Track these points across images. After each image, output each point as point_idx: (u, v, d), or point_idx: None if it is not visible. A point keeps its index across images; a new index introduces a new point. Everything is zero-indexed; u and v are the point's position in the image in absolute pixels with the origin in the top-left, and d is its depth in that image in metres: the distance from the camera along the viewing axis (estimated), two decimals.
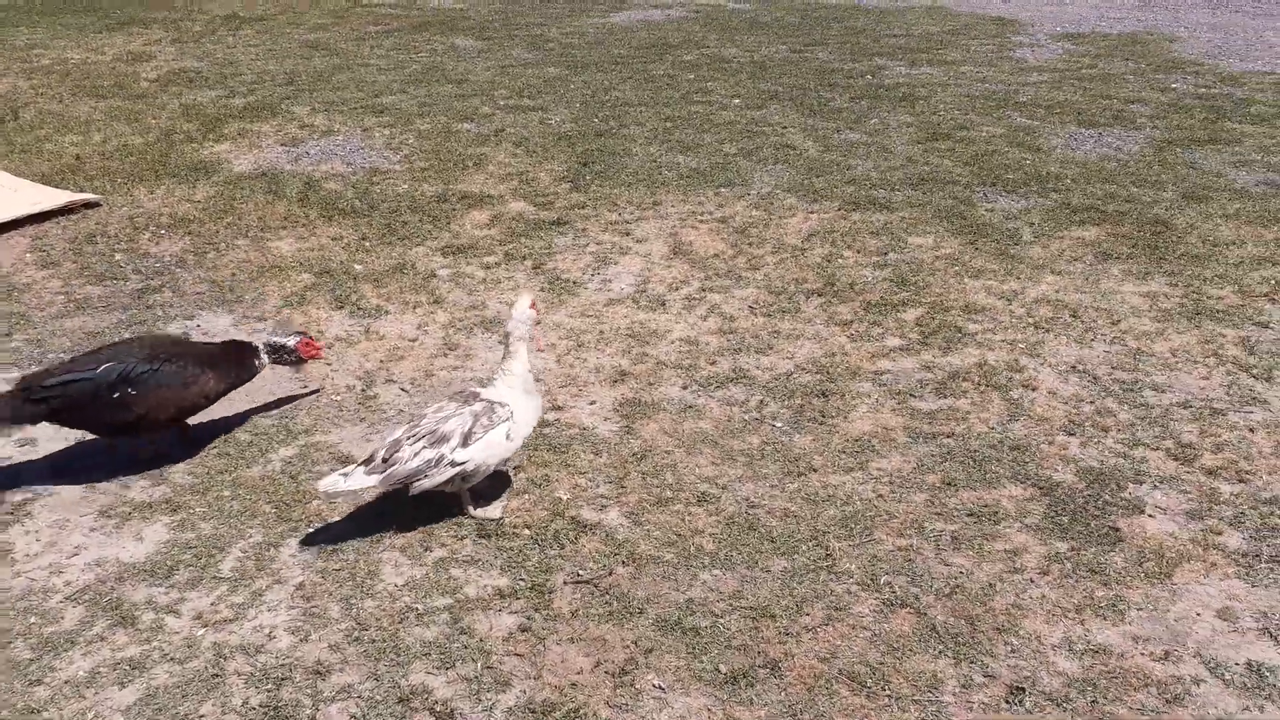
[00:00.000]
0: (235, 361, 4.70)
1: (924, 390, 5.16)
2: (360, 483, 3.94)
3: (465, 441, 4.00)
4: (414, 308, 6.12)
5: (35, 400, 4.23)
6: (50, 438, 4.83)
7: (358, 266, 6.62)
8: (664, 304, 6.12)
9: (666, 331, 5.79)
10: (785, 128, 9.23)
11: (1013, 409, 4.98)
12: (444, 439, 4.00)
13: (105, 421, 4.35)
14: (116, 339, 5.46)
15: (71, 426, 4.43)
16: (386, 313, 6.06)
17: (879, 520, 4.25)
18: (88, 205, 7.44)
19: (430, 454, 3.96)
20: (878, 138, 8.90)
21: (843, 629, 3.67)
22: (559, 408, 5.08)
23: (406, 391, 5.26)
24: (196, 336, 5.80)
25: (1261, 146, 8.58)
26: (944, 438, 4.79)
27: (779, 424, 4.91)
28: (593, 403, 5.13)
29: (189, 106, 9.88)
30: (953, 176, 7.94)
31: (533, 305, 4.20)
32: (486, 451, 4.04)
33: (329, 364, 5.45)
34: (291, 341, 4.85)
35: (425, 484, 4.00)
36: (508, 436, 4.08)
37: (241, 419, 5.01)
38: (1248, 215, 7.13)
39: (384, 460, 3.96)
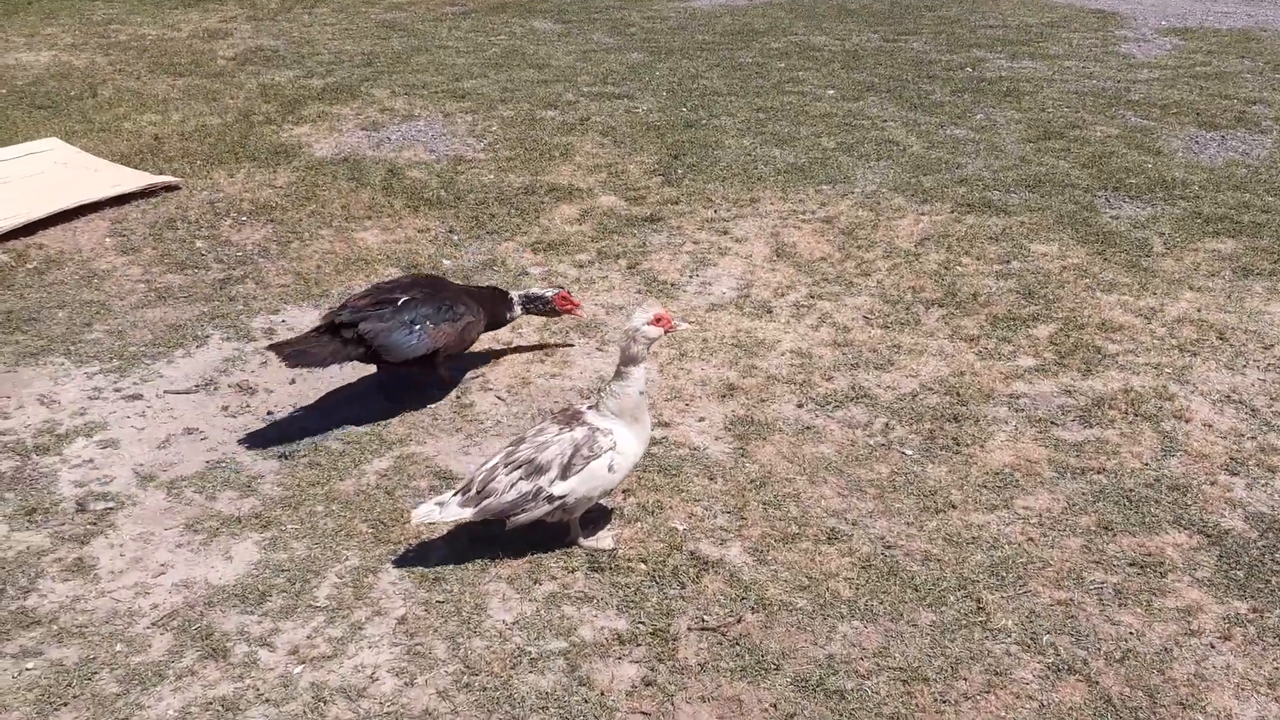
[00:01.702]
0: (497, 309, 4.94)
1: (1066, 418, 4.73)
2: (454, 514, 3.63)
3: (564, 474, 3.66)
4: None
5: (349, 340, 4.46)
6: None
7: (446, 261, 6.31)
8: (770, 311, 5.73)
9: (775, 342, 5.41)
10: (885, 121, 8.77)
11: (1167, 443, 4.54)
12: (541, 469, 3.67)
13: (406, 356, 4.54)
14: (389, 278, 5.34)
15: (375, 362, 4.65)
16: None
17: (1032, 568, 3.84)
18: (168, 188, 7.20)
19: (526, 486, 3.63)
20: (985, 134, 8.42)
21: (1006, 698, 3.28)
22: (666, 424, 4.72)
23: (503, 400, 4.93)
24: (282, 333, 5.51)
25: None
26: (1094, 474, 4.36)
27: (909, 451, 4.52)
28: (702, 419, 4.77)
29: (267, 86, 9.64)
30: (1070, 179, 7.45)
31: (659, 320, 3.73)
32: (587, 484, 3.69)
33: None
34: (550, 294, 5.03)
35: (521, 519, 3.67)
36: (610, 469, 3.73)
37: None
38: None
39: (479, 492, 3.63)
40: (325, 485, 4.31)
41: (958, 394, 4.92)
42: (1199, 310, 5.65)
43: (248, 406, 4.90)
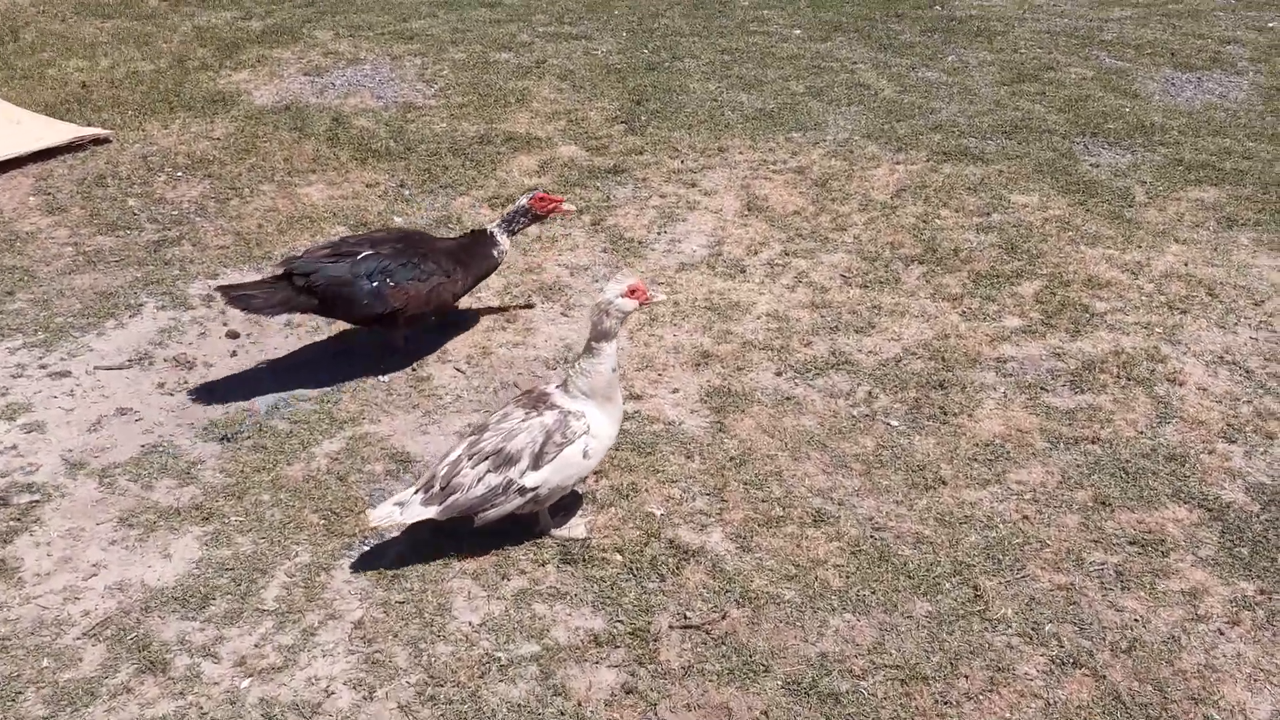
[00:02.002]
0: (480, 255, 4.56)
1: (1057, 383, 4.51)
2: (417, 514, 3.33)
3: (536, 463, 3.38)
4: None
5: (302, 289, 4.20)
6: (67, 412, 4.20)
7: (397, 219, 5.94)
8: (743, 270, 5.44)
9: (750, 304, 5.13)
10: (855, 64, 8.43)
11: (1161, 409, 4.34)
12: (511, 460, 3.38)
13: (362, 314, 4.30)
14: (366, 231, 5.12)
15: (331, 316, 4.42)
16: None
17: (1029, 549, 3.63)
18: (97, 141, 6.72)
19: (495, 479, 3.34)
20: (958, 77, 8.12)
21: (1010, 696, 3.07)
22: (638, 396, 4.44)
23: (462, 373, 4.62)
24: (221, 300, 5.13)
25: None
26: (1088, 443, 4.15)
27: (894, 422, 4.28)
28: (675, 391, 4.49)
29: (202, 29, 9.08)
30: (1048, 125, 7.19)
31: (634, 292, 3.40)
32: (561, 473, 3.41)
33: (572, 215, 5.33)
34: (524, 200, 4.61)
35: (491, 515, 3.39)
36: (585, 454, 3.45)
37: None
38: None
39: (443, 488, 3.33)
40: (272, 471, 3.99)
41: (943, 359, 4.68)
42: (1186, 264, 5.43)
43: (185, 382, 4.55)
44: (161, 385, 4.52)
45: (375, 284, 4.23)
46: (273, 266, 5.29)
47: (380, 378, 4.56)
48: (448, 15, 9.70)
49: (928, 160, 6.65)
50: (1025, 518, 3.79)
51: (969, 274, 5.35)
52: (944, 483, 3.95)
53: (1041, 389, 4.48)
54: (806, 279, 5.34)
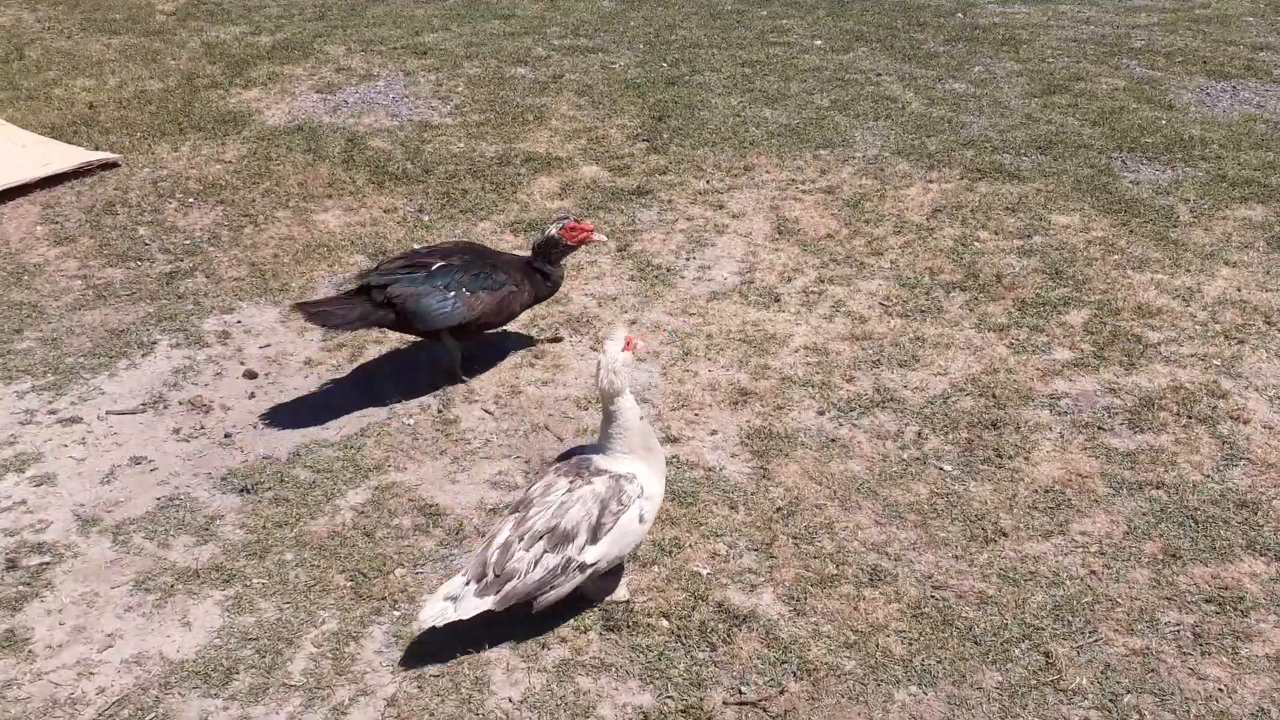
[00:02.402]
0: (538, 275, 4.54)
1: (1114, 421, 4.30)
2: (473, 608, 3.09)
3: (595, 536, 3.15)
4: None
5: (379, 304, 4.18)
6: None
7: (416, 246, 5.73)
8: (778, 299, 5.23)
9: (787, 336, 4.92)
10: (879, 75, 8.21)
11: (1227, 450, 4.12)
12: (568, 537, 3.15)
13: (438, 325, 4.27)
14: (435, 243, 5.06)
15: (406, 330, 4.36)
16: None
17: (1100, 609, 3.42)
18: (105, 166, 6.53)
19: (554, 559, 3.12)
20: (986, 89, 7.90)
21: None
22: (675, 439, 4.23)
23: (491, 414, 4.42)
24: (238, 336, 4.94)
25: None
26: (1152, 489, 3.94)
27: (947, 466, 4.07)
28: (714, 432, 4.29)
29: (211, 45, 8.89)
30: (1083, 139, 6.97)
31: (629, 345, 3.30)
32: (620, 544, 3.22)
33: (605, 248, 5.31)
34: (554, 230, 4.48)
35: (550, 597, 3.18)
36: (641, 519, 3.25)
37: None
38: None
39: (497, 575, 3.11)
40: (294, 526, 3.79)
41: (993, 395, 4.46)
42: (1239, 289, 5.22)
43: (202, 428, 4.35)
44: (177, 431, 4.32)
45: (452, 294, 4.23)
46: (278, 313, 5.09)
47: (406, 420, 4.37)
48: (461, 28, 9.51)
49: (961, 178, 6.43)
50: (1093, 572, 3.57)
51: (1014, 302, 5.14)
52: (1004, 534, 3.74)
53: (1099, 428, 4.27)
54: (844, 308, 5.13)
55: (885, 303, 5.18)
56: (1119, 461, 4.08)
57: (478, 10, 10.14)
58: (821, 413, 4.40)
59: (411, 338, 4.70)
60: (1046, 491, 3.94)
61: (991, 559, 3.63)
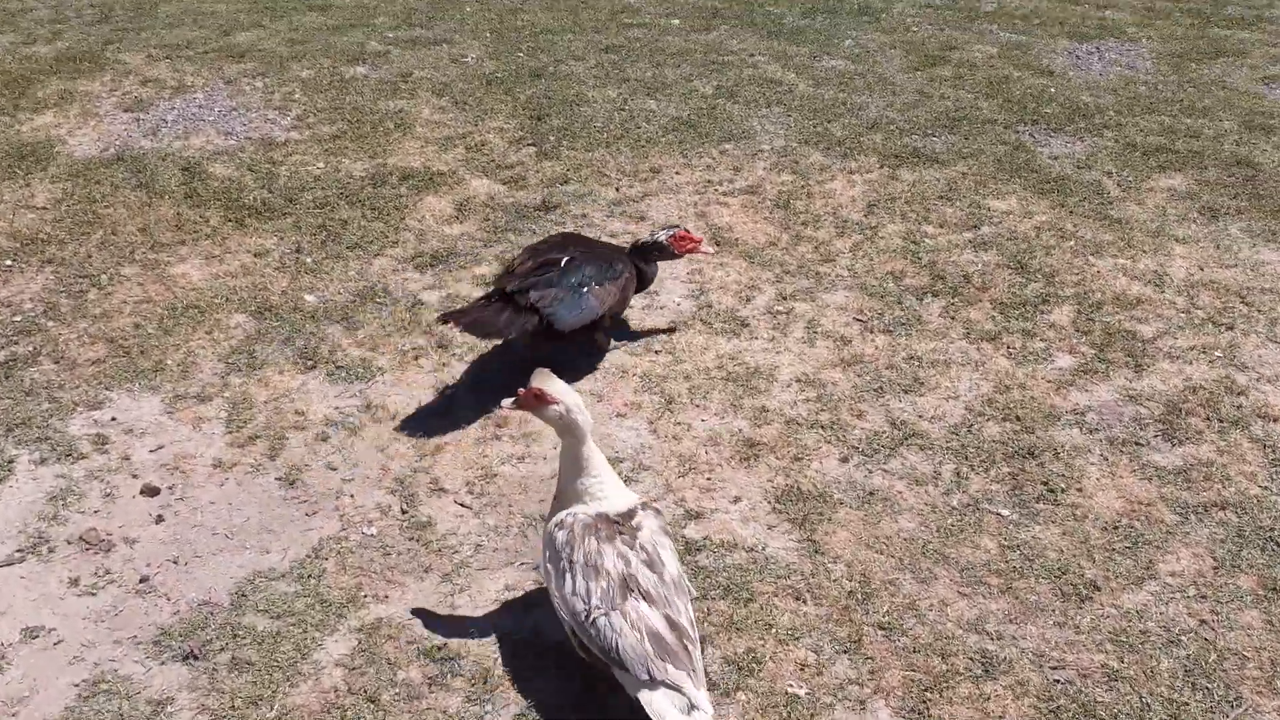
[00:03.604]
0: (640, 269, 4.39)
1: (1148, 434, 4.00)
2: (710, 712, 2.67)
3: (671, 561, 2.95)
4: (415, 358, 4.46)
5: (524, 308, 3.96)
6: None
7: (309, 297, 4.85)
8: (745, 325, 4.68)
9: (772, 369, 4.38)
10: (752, 56, 7.75)
11: (1271, 455, 3.91)
12: (678, 584, 2.88)
13: (579, 322, 4.08)
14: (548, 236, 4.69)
15: (548, 333, 4.07)
16: (381, 371, 4.37)
17: (1230, 667, 3.08)
18: None
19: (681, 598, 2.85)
20: (866, 65, 7.57)
21: None
22: (695, 514, 3.63)
23: (469, 508, 3.68)
24: (118, 439, 3.97)
25: (1269, 56, 7.77)
26: (1218, 510, 3.65)
27: (1005, 511, 3.65)
28: (737, 500, 3.71)
29: None
30: (984, 114, 6.74)
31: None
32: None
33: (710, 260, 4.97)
34: (664, 236, 4.38)
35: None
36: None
37: None
38: None
39: (685, 644, 2.73)
40: (272, 701, 2.97)
41: (1016, 417, 4.08)
42: (1201, 269, 5.06)
43: (108, 574, 3.42)
44: (75, 582, 3.37)
45: (586, 289, 4.09)
46: (160, 401, 4.15)
47: (366, 530, 3.57)
48: (275, 24, 8.41)
49: (881, 166, 6.05)
50: (1203, 622, 3.23)
51: (991, 304, 4.78)
52: (1096, 587, 3.35)
53: (1136, 444, 3.95)
54: (819, 328, 4.64)
55: (860, 318, 4.72)
56: (1173, 482, 3.77)
57: (287, 1, 9.02)
58: (845, 459, 3.89)
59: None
60: (1115, 528, 3.58)
61: (1096, 621, 3.23)
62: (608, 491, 2.93)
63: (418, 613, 3.26)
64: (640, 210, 5.61)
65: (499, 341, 4.30)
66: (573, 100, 6.93)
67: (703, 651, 2.84)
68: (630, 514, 2.92)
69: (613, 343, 4.52)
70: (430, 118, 6.68)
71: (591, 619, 2.73)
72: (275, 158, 6.12)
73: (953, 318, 4.70)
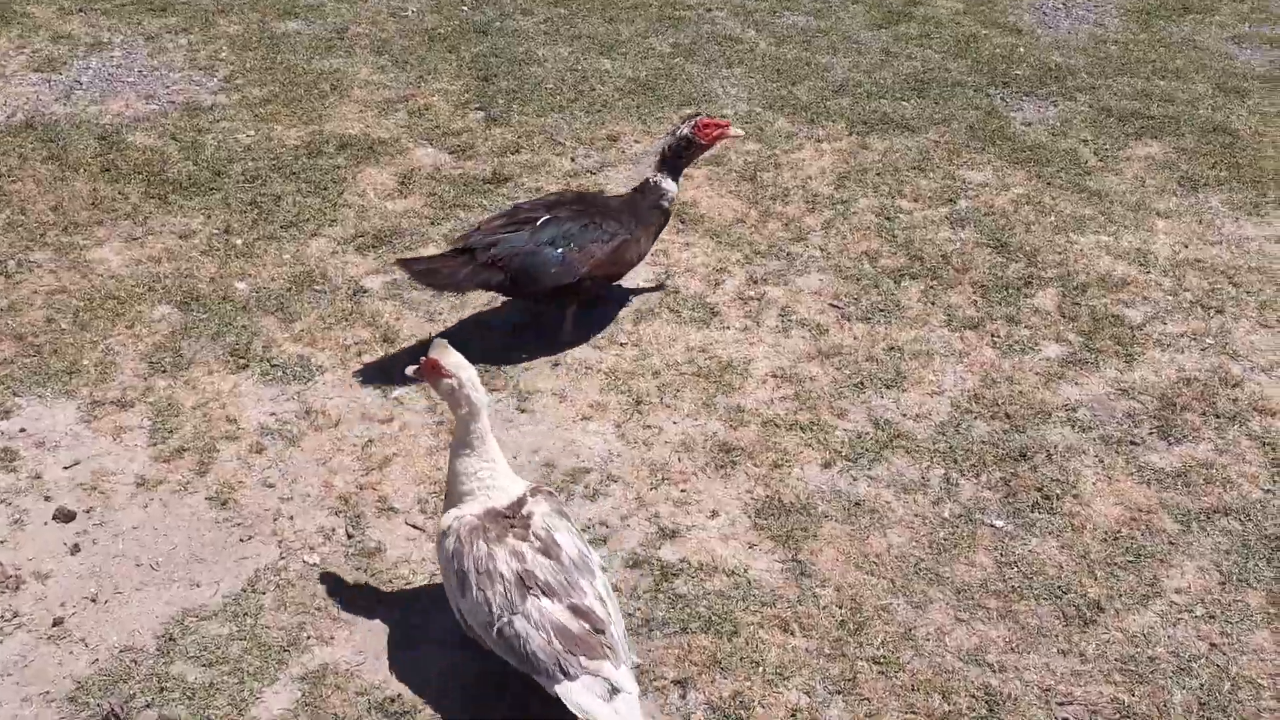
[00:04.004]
0: (652, 208, 4.07)
1: (1143, 431, 3.79)
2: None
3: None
4: (359, 354, 4.11)
5: (485, 264, 3.79)
6: None
7: (240, 285, 4.45)
8: (715, 312, 4.39)
9: (746, 362, 4.10)
10: (709, 10, 7.36)
11: (1271, 455, 3.72)
12: (582, 563, 2.75)
13: (550, 284, 3.89)
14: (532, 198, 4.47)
15: (516, 292, 3.96)
16: (321, 370, 4.01)
17: (1245, 697, 2.90)
18: None
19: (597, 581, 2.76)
20: (828, 21, 7.22)
21: None
22: (671, 533, 3.35)
23: (422, 530, 3.36)
24: (28, 454, 3.58)
25: (1238, 13, 7.55)
26: (1221, 516, 3.46)
27: (999, 522, 3.42)
28: (715, 514, 3.44)
29: None
30: (952, 75, 6.44)
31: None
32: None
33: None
34: (686, 129, 3.99)
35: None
36: None
37: None
38: None
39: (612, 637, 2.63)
40: None
41: (1005, 415, 3.85)
42: (1185, 245, 4.85)
43: (15, 616, 3.06)
44: None
45: (560, 250, 3.85)
46: (76, 409, 3.77)
47: (308, 559, 3.24)
48: None
49: (850, 134, 5.75)
50: (1214, 646, 3.04)
51: (972, 287, 4.53)
52: (1100, 608, 3.14)
53: (1132, 443, 3.74)
54: (793, 315, 4.36)
55: (836, 303, 4.44)
56: (1172, 486, 3.57)
57: None
58: (828, 465, 3.63)
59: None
60: (1116, 539, 3.37)
61: (1102, 648, 3.02)
62: (499, 479, 2.80)
63: (368, 657, 2.95)
64: (597, 184, 5.26)
65: (455, 296, 4.11)
66: (522, 59, 6.51)
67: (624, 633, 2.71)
68: (520, 503, 2.78)
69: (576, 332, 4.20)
70: (369, 78, 6.23)
71: (496, 629, 2.61)
72: (201, 125, 5.66)
73: (932, 302, 4.44)
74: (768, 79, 6.34)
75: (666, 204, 4.11)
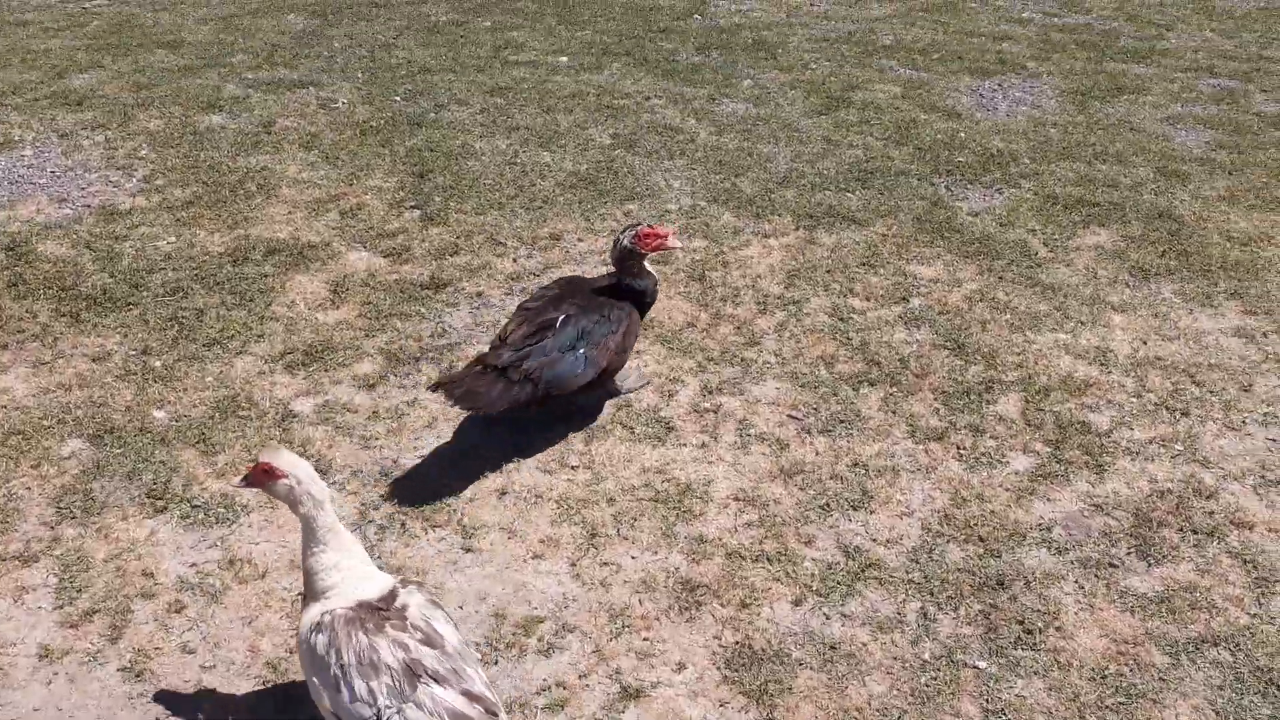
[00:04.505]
0: (637, 293, 4.11)
1: (1121, 551, 3.63)
2: None
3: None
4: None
5: (519, 380, 3.75)
6: None
7: (158, 413, 4.14)
8: (669, 427, 4.17)
9: (705, 484, 3.88)
10: (648, 98, 7.27)
11: (1253, 573, 3.57)
12: (459, 655, 2.65)
13: (576, 386, 3.88)
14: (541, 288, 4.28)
15: (546, 402, 3.89)
16: (246, 510, 3.71)
17: None
18: None
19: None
20: (768, 109, 7.16)
21: None
22: (635, 693, 3.09)
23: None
24: None
25: (1169, 93, 7.65)
26: (1210, 647, 3.29)
27: (981, 663, 3.22)
28: (681, 667, 3.19)
29: None
30: (894, 164, 6.38)
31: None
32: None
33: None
34: (626, 241, 4.00)
35: None
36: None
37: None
38: (1240, 195, 6.11)
39: None
40: None
41: (979, 538, 3.66)
42: (1144, 342, 4.75)
43: None
44: None
45: (582, 351, 3.86)
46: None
47: (205, 661, 2.91)
48: (118, 63, 7.58)
49: (797, 228, 5.63)
50: None
51: (933, 393, 4.38)
52: None
53: (1110, 566, 3.57)
54: (752, 429, 4.16)
55: (794, 414, 4.25)
56: (1158, 614, 3.40)
57: (131, 36, 8.18)
58: (798, 602, 3.41)
59: None
60: (1104, 677, 3.18)
61: None
62: (359, 570, 2.71)
63: None
64: (543, 284, 5.03)
65: (492, 415, 3.95)
66: (458, 153, 6.32)
67: None
68: (392, 595, 2.70)
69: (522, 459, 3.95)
70: (298, 176, 5.99)
71: None
72: (118, 231, 5.36)
73: (893, 411, 4.27)
74: (710, 170, 6.22)
75: (651, 289, 4.18)
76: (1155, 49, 8.59)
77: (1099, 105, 7.40)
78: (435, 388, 3.82)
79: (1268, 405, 4.35)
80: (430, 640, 2.61)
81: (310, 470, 2.68)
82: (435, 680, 2.53)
